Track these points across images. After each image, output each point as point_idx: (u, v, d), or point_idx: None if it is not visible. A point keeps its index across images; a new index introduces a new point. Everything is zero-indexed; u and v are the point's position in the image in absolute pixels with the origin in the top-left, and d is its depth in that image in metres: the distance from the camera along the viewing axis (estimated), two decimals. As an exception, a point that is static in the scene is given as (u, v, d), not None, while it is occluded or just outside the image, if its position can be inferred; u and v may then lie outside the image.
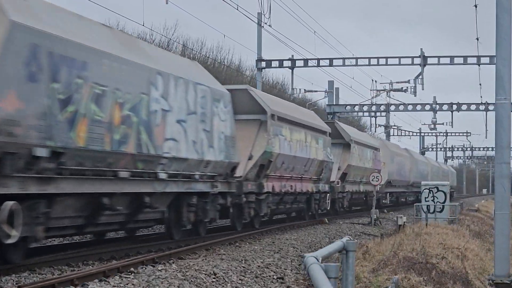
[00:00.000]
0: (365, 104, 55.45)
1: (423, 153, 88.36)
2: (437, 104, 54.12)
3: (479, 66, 44.80)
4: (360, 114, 63.43)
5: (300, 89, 52.07)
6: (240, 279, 14.54)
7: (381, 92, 55.66)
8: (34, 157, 12.92)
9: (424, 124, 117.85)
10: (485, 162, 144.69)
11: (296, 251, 20.26)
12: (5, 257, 13.30)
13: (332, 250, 10.09)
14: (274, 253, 19.14)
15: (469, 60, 44.38)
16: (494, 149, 15.09)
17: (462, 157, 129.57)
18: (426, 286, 14.50)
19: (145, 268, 14.26)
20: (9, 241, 12.46)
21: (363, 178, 41.00)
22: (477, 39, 39.09)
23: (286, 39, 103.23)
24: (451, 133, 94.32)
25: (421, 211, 33.91)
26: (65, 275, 12.69)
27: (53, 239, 19.31)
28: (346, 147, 38.15)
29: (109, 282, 12.46)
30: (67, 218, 14.74)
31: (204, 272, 14.17)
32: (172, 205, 19.00)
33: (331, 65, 45.70)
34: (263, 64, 44.22)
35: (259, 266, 16.40)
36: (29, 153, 12.81)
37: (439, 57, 45.04)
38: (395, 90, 54.55)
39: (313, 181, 30.85)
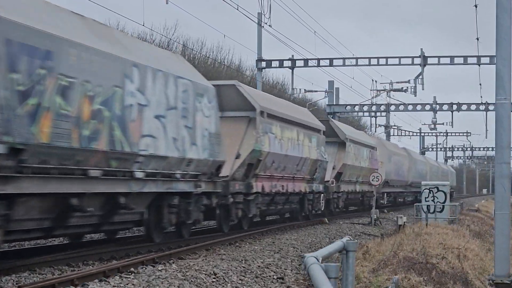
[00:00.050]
0: (365, 104, 55.48)
1: (423, 153, 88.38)
2: (437, 104, 54.12)
3: (479, 66, 44.83)
4: (360, 114, 63.44)
5: (300, 89, 52.05)
6: (240, 279, 14.54)
7: (381, 92, 55.67)
8: None
9: (424, 124, 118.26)
10: (485, 162, 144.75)
11: (296, 251, 20.26)
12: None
13: (332, 250, 10.10)
14: (274, 253, 19.13)
15: (469, 60, 44.39)
16: (494, 149, 15.09)
17: (462, 157, 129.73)
18: (426, 286, 14.52)
19: (145, 268, 14.25)
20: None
21: (359, 178, 40.23)
22: (477, 39, 39.22)
23: (286, 39, 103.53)
24: (451, 133, 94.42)
25: (421, 211, 33.95)
26: (65, 275, 12.68)
27: (53, 239, 19.32)
28: (341, 146, 37.19)
29: (109, 282, 12.46)
30: (31, 221, 13.57)
31: (204, 272, 14.17)
32: (151, 206, 17.93)
33: (331, 65, 45.71)
34: (263, 64, 44.21)
35: (259, 266, 16.40)
36: None
37: (439, 57, 45.05)
38: (395, 90, 54.55)
39: (307, 181, 29.98)
